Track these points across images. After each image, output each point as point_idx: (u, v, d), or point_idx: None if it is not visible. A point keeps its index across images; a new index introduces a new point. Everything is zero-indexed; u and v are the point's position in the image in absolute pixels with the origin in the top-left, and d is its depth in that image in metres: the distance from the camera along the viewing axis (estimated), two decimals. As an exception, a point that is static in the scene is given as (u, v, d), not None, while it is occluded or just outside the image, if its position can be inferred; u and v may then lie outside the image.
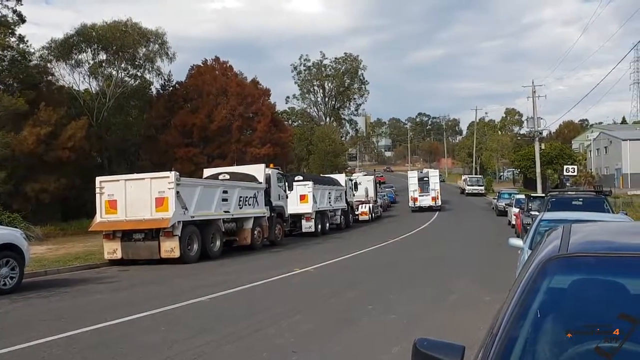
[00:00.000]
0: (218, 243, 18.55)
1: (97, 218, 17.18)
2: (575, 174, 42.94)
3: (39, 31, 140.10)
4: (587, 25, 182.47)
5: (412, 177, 46.30)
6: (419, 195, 45.07)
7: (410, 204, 45.66)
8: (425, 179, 45.72)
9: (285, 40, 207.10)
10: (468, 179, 67.35)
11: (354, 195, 35.95)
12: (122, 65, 40.11)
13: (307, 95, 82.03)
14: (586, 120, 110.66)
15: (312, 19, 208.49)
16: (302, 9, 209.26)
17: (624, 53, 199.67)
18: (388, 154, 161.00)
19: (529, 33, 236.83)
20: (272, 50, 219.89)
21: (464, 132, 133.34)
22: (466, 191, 63.41)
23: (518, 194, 35.94)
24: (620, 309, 2.07)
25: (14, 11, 31.50)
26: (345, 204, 33.12)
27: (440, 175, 59.02)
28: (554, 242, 2.39)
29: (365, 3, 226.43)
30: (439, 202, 44.98)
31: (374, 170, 70.41)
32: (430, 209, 43.83)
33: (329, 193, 30.32)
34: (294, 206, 26.18)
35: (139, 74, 41.82)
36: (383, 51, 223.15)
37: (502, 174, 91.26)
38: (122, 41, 38.16)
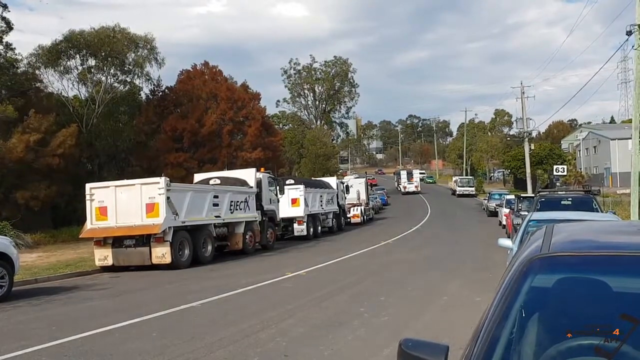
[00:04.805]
0: (209, 248, 18.50)
1: (88, 225, 17.09)
2: (565, 173, 43.22)
3: (23, 38, 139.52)
4: (574, 27, 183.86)
5: (403, 173, 73.61)
6: (407, 184, 68.98)
7: (402, 190, 68.85)
8: (411, 174, 71.93)
9: (272, 44, 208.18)
10: (459, 180, 67.62)
11: (345, 198, 35.96)
12: (111, 71, 39.85)
13: (297, 98, 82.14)
14: (575, 120, 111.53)
15: (298, 23, 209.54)
16: (287, 13, 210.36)
17: (608, 52, 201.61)
18: (379, 156, 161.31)
19: (514, 34, 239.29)
20: (259, 55, 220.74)
21: (454, 134, 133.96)
22: (457, 192, 63.66)
23: (508, 194, 36.11)
24: (602, 307, 2.10)
25: (2, 18, 31.31)
26: (337, 207, 33.13)
27: (431, 176, 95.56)
28: (536, 242, 2.42)
29: (349, 7, 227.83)
30: (419, 189, 68.76)
31: (366, 172, 70.95)
32: (414, 193, 66.97)
33: (321, 196, 30.33)
34: (285, 210, 26.18)
35: (128, 79, 41.58)
36: (370, 54, 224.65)
37: (492, 174, 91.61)
38: (110, 47, 37.92)
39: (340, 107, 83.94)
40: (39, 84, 35.85)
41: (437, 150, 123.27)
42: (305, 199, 27.35)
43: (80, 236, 18.41)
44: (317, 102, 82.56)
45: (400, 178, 72.50)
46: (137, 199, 16.42)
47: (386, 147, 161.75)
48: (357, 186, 40.88)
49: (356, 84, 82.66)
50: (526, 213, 14.80)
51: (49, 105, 33.70)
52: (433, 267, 15.66)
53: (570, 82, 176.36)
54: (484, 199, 46.76)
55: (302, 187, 27.60)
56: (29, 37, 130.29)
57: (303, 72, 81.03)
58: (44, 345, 7.51)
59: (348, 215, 36.46)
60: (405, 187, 68.59)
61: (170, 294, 12.33)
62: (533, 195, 23.79)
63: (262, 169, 24.77)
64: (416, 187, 68.64)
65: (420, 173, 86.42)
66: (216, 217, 19.00)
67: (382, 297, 10.76)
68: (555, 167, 41.76)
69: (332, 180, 34.69)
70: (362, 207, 38.47)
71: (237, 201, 20.38)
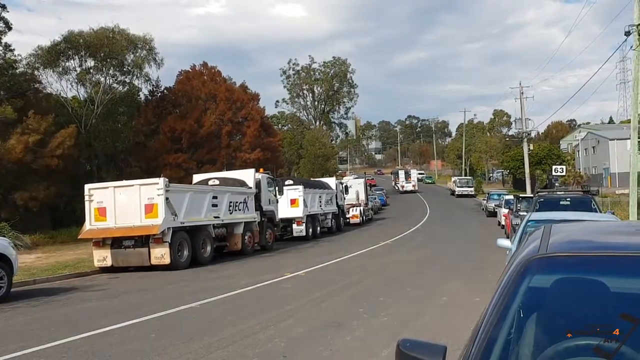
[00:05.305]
0: (208, 249, 18.50)
1: (87, 225, 17.09)
2: (563, 174, 43.23)
3: (22, 38, 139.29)
4: (572, 27, 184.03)
5: (401, 172, 76.96)
6: (405, 183, 71.96)
7: (400, 189, 72.18)
8: (408, 173, 75.09)
9: (271, 44, 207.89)
10: (458, 180, 67.64)
11: (344, 198, 35.95)
12: (110, 71, 39.85)
13: (296, 99, 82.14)
14: (574, 120, 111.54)
15: (297, 23, 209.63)
16: (286, 13, 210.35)
17: (607, 52, 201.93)
18: (378, 156, 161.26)
19: (513, 34, 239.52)
20: (258, 55, 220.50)
21: (453, 134, 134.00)
22: (456, 193, 63.64)
23: (507, 194, 36.10)
24: (600, 308, 2.10)
25: (1, 18, 31.25)
26: (336, 208, 33.12)
27: (430, 176, 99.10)
28: (534, 243, 2.42)
29: (348, 7, 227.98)
30: (417, 188, 71.84)
31: (365, 173, 71.32)
32: (412, 192, 69.86)
33: (320, 197, 30.32)
34: (284, 210, 26.16)
35: (127, 80, 41.58)
36: (369, 54, 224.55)
37: (491, 175, 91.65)
38: (109, 47, 37.93)
39: (339, 107, 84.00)
40: (37, 84, 35.84)
41: (436, 151, 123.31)
42: (304, 199, 27.34)
43: (79, 237, 18.39)
44: (316, 103, 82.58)
45: (398, 177, 76.39)
46: (136, 199, 16.42)
47: (385, 148, 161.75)
48: (356, 187, 40.82)
49: (355, 84, 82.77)
50: (525, 213, 14.80)
51: (47, 106, 33.70)
52: (432, 268, 15.67)
53: (569, 83, 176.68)
54: (483, 199, 46.77)
55: (301, 187, 27.60)
56: (27, 38, 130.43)
57: (302, 73, 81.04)
58: (43, 346, 7.51)
59: (347, 216, 36.43)
60: (403, 187, 72.01)
61: (169, 294, 12.32)
62: (532, 195, 23.78)
63: (261, 170, 24.73)
64: (414, 186, 71.99)
65: (419, 173, 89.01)
66: (215, 217, 19.00)
67: (381, 298, 10.76)
68: (554, 167, 41.75)
69: (331, 181, 34.67)
70: (361, 208, 38.44)
71: (236, 202, 20.38)
